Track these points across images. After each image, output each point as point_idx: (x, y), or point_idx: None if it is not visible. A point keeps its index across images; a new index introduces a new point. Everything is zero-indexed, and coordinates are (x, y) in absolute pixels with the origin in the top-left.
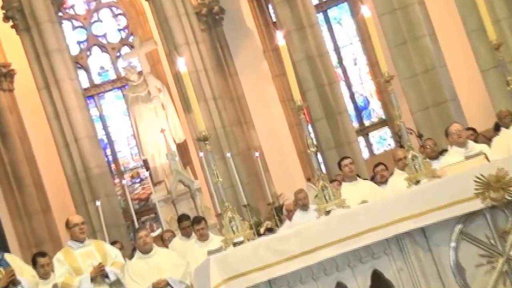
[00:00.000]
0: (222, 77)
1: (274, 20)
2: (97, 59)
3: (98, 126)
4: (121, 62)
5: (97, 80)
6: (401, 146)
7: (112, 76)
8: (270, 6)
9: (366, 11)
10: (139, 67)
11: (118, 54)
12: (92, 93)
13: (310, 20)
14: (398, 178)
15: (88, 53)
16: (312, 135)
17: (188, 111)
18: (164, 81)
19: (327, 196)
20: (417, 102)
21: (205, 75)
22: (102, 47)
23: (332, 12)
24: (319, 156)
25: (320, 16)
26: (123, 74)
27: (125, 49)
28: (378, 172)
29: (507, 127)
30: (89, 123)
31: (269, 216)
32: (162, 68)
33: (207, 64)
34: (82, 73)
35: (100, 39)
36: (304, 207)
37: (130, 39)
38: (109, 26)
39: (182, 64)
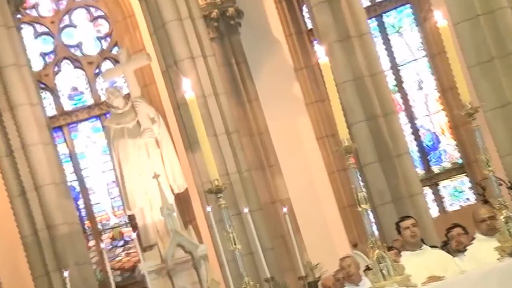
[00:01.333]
0: (238, 103)
1: (310, 27)
2: (69, 78)
3: (68, 168)
4: (101, 82)
5: (68, 105)
6: (485, 202)
7: (89, 100)
8: (304, 9)
9: (439, 17)
10: (125, 89)
11: (97, 71)
12: (61, 123)
13: (360, 28)
14: (482, 246)
15: (56, 68)
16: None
17: (191, 150)
18: (160, 108)
19: (385, 271)
20: (508, 141)
21: (215, 101)
22: (75, 61)
23: (389, 18)
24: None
25: (373, 23)
26: (103, 98)
27: (106, 65)
28: (453, 237)
29: None
30: (55, 164)
31: None
32: (156, 91)
33: (218, 86)
34: (47, 96)
35: (72, 50)
36: (352, 279)
37: (114, 51)
38: (85, 33)
39: (186, 86)
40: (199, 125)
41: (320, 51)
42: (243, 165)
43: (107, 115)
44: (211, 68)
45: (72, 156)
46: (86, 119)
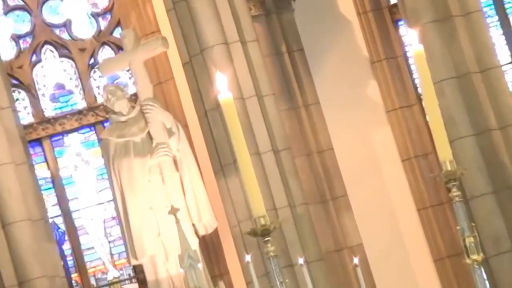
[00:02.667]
0: (290, 109)
1: (394, 1)
2: (52, 71)
3: (50, 198)
4: (97, 77)
5: (51, 110)
6: None
7: (80, 103)
8: None
9: None
10: (131, 88)
11: (91, 61)
12: (41, 134)
13: (466, 3)
14: None
15: (35, 58)
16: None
17: (224, 174)
18: (179, 115)
19: None
20: None
21: (257, 106)
22: (61, 48)
23: None
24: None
25: None
26: (100, 100)
27: (105, 53)
28: None
29: None
30: (31, 192)
31: None
32: (175, 90)
33: (263, 85)
34: (21, 97)
35: (57, 31)
36: None
37: (116, 33)
38: (76, 8)
39: (219, 84)
40: (238, 139)
41: (409, 36)
42: (297, 197)
43: (106, 124)
44: (253, 59)
45: (56, 182)
46: (76, 130)
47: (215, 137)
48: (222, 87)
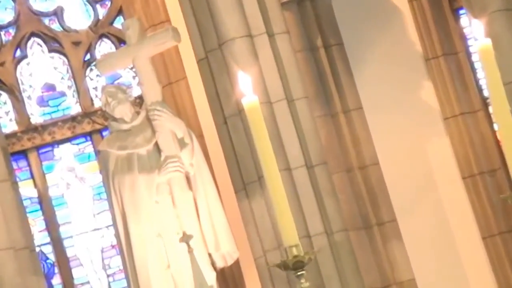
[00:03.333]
0: (327, 116)
1: None
2: (40, 68)
3: (38, 223)
4: (94, 76)
5: (38, 116)
6: None
7: (73, 108)
8: None
9: None
10: (136, 90)
11: (87, 57)
12: (26, 145)
13: None
14: None
15: (19, 53)
16: None
17: (247, 194)
18: (193, 123)
19: None
20: None
21: (288, 112)
22: (51, 41)
23: None
24: None
25: None
26: (98, 104)
27: (104, 47)
28: None
29: None
30: (14, 215)
31: None
32: (188, 92)
33: (294, 86)
34: (3, 100)
35: (46, 21)
36: None
37: (117, 23)
38: None
39: (242, 86)
40: (264, 151)
41: (472, 28)
42: (336, 222)
43: (104, 133)
44: (283, 54)
45: (44, 202)
46: (69, 140)
47: (237, 149)
48: (246, 88)
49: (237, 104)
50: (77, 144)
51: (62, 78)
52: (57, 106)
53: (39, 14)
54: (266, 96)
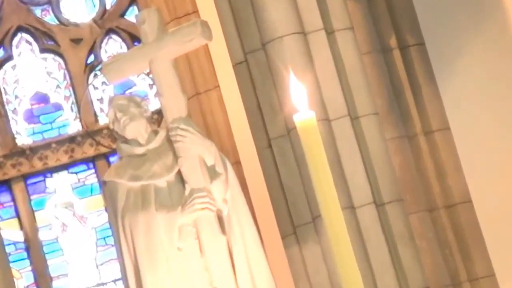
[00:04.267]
0: (402, 136)
1: None
2: (29, 73)
3: (25, 275)
4: (99, 84)
5: (26, 135)
6: None
7: (72, 125)
8: None
9: None
10: (153, 102)
11: (90, 58)
12: (10, 173)
13: None
14: None
15: (2, 52)
16: None
17: (298, 239)
18: (227, 145)
19: None
20: None
21: (351, 132)
22: (44, 38)
23: None
24: None
25: None
26: (103, 122)
27: (112, 46)
28: None
29: None
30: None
31: None
32: (221, 106)
33: (362, 100)
34: None
35: (37, 12)
36: None
37: (129, 15)
38: None
39: (295, 98)
40: (322, 184)
41: None
42: (414, 277)
43: (112, 159)
44: (345, 57)
45: (33, 249)
46: (65, 167)
47: (284, 181)
48: (299, 101)
49: (286, 121)
50: (76, 172)
51: (58, 86)
52: (50, 122)
53: (28, 3)
54: (323, 112)
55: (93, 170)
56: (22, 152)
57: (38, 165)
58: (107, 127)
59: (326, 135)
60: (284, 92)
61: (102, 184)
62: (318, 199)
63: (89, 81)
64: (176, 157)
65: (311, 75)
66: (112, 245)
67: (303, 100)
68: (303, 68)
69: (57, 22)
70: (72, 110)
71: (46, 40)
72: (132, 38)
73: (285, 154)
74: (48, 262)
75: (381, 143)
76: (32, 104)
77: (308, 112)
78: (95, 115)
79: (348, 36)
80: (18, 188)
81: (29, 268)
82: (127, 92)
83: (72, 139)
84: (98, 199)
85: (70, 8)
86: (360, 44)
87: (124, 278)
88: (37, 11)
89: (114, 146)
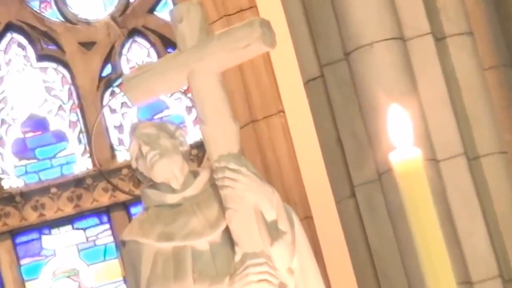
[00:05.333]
0: None
1: None
2: (22, 87)
3: None
4: (118, 105)
5: (16, 175)
6: None
7: (78, 162)
8: None
9: None
10: (192, 132)
11: (105, 70)
12: (8, 224)
13: None
14: None
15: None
16: None
17: None
18: (295, 195)
19: None
20: None
21: (468, 177)
22: (44, 40)
23: None
24: None
25: None
26: (122, 158)
27: (136, 52)
28: None
29: None
30: None
31: None
32: (287, 138)
33: (483, 133)
34: None
35: (35, 5)
36: None
37: (159, 11)
38: None
39: (392, 130)
40: (430, 249)
41: None
42: None
43: (134, 211)
44: (461, 71)
45: None
46: (70, 220)
47: (372, 244)
48: (397, 135)
49: (376, 162)
50: (84, 228)
51: (61, 107)
52: (49, 158)
53: None
54: (430, 149)
55: (107, 225)
56: (10, 199)
57: (32, 217)
58: (128, 166)
59: (433, 180)
60: (375, 119)
61: (120, 245)
62: (423, 272)
63: (104, 102)
64: (223, 209)
65: (412, 98)
66: None
67: (404, 133)
68: (402, 87)
69: (62, 19)
70: (79, 141)
71: (46, 43)
72: (164, 42)
73: (374, 207)
74: None
75: (509, 193)
76: (24, 132)
77: (411, 149)
78: (112, 148)
79: (465, 44)
80: (3, 248)
81: None
82: (157, 117)
83: (79, 181)
84: (113, 266)
85: (79, 3)
86: (482, 56)
87: None
88: (35, 3)
89: (137, 192)
